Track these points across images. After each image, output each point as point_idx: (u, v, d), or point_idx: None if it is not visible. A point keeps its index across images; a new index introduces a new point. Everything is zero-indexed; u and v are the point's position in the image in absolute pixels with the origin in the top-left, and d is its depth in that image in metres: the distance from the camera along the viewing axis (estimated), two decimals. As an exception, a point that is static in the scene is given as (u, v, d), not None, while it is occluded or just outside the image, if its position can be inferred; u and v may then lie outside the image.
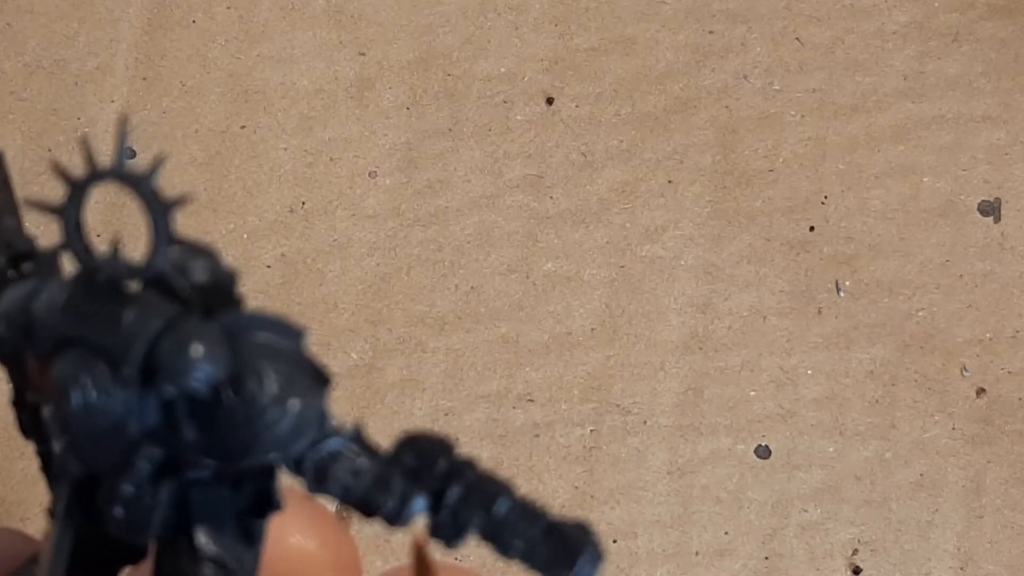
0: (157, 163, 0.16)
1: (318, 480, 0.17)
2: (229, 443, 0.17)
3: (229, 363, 0.16)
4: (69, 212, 0.17)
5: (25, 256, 0.19)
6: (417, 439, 0.18)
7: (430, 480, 0.17)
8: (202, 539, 0.17)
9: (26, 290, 0.17)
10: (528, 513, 0.17)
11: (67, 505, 0.17)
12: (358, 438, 0.17)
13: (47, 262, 0.18)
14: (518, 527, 0.17)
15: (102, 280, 0.16)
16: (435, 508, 0.17)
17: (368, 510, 0.17)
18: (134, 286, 0.17)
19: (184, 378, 0.16)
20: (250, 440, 0.16)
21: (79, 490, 0.17)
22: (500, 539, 0.17)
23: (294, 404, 0.16)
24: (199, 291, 0.17)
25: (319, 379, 0.17)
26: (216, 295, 0.17)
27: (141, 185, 0.16)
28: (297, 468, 0.17)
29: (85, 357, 0.16)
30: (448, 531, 0.17)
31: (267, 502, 0.17)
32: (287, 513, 0.18)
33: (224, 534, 0.17)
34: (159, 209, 0.16)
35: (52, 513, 0.18)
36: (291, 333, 0.17)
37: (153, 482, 0.16)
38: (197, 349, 0.16)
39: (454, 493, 0.17)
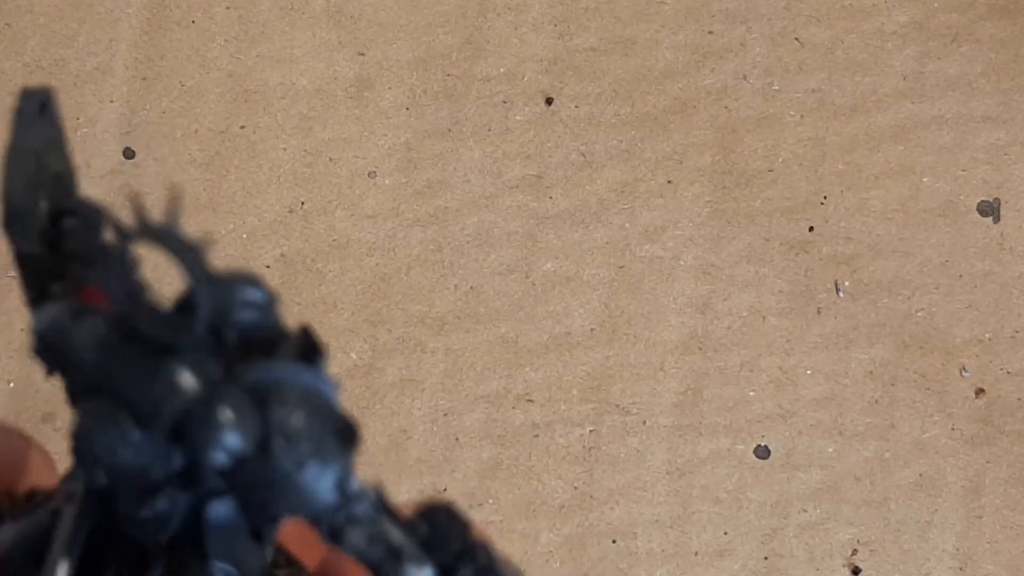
0: (173, 210, 0.16)
1: (332, 539, 0.17)
2: (250, 496, 0.17)
3: (257, 433, 0.16)
4: (110, 269, 0.17)
5: (68, 211, 0.19)
6: (437, 512, 0.18)
7: (443, 555, 0.18)
8: (213, 546, 0.17)
9: (66, 310, 0.17)
10: None
11: (85, 497, 0.17)
12: (378, 502, 0.17)
13: (91, 217, 0.18)
14: None
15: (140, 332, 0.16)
16: None
17: (379, 574, 0.17)
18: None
19: (209, 453, 0.16)
20: (270, 499, 0.17)
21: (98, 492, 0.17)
22: None
23: (319, 470, 0.16)
24: (242, 331, 0.17)
25: (348, 438, 0.17)
26: (259, 332, 0.17)
27: (168, 241, 0.16)
28: (314, 523, 0.17)
29: (114, 410, 0.16)
30: None
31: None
32: None
33: (235, 535, 0.17)
34: (191, 262, 0.16)
35: (66, 480, 0.18)
36: (326, 388, 0.17)
37: (172, 497, 0.17)
38: (226, 424, 0.16)
39: (465, 574, 0.17)
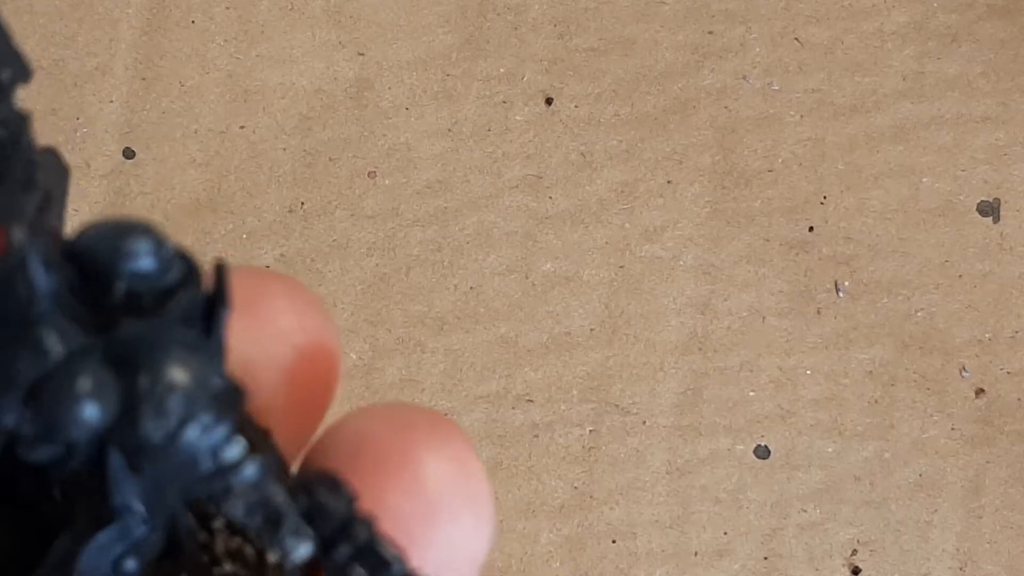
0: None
1: (208, 507, 0.16)
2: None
3: (119, 402, 0.15)
4: None
5: None
6: (321, 481, 0.17)
7: (323, 528, 0.17)
8: (117, 487, 0.16)
9: None
10: None
11: None
12: (265, 469, 0.17)
13: (16, 132, 0.17)
14: None
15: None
16: (323, 555, 0.17)
17: (256, 545, 0.17)
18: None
19: (64, 434, 0.15)
20: (139, 467, 0.16)
21: None
22: None
23: (193, 437, 0.16)
24: (132, 283, 0.16)
25: (226, 403, 0.16)
26: (154, 283, 0.16)
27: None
28: (190, 489, 0.16)
29: None
30: None
31: None
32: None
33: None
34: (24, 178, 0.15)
35: None
36: (209, 348, 0.16)
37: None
38: (83, 396, 0.15)
39: (343, 551, 0.17)
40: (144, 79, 0.53)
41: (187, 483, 0.16)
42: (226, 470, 0.16)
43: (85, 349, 0.15)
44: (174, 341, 0.16)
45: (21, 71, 0.17)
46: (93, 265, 0.16)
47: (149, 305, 0.16)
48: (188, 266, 0.16)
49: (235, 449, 0.16)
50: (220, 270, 0.16)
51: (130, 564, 0.16)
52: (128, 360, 0.16)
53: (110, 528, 0.16)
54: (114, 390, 0.15)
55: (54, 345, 0.15)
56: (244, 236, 0.53)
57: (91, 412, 0.15)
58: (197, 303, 0.16)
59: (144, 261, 0.16)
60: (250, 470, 0.16)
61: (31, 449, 0.15)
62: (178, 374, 0.16)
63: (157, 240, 0.16)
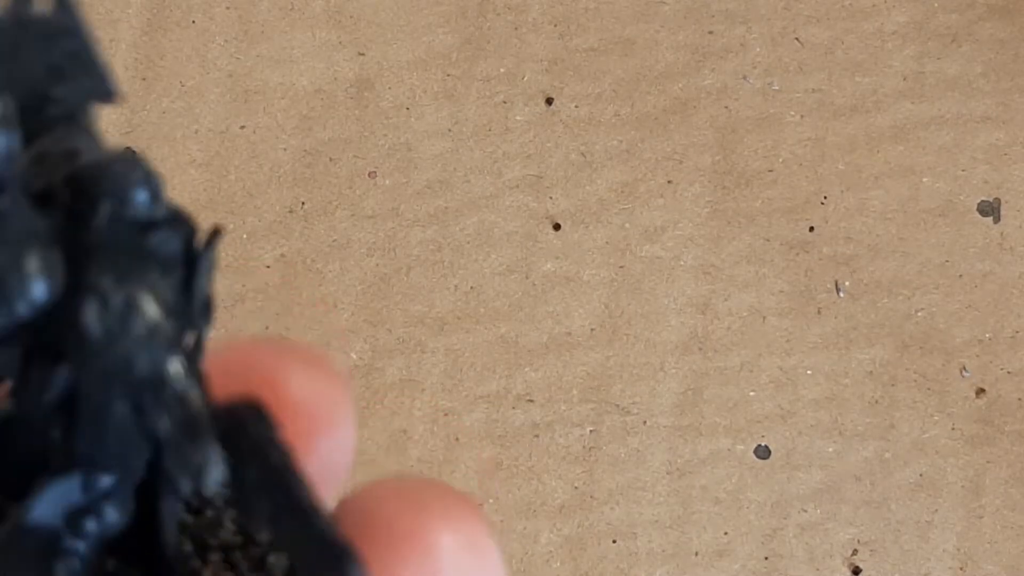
0: None
1: (136, 415, 0.16)
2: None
3: (65, 289, 0.15)
4: None
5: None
6: (241, 411, 0.16)
7: (237, 450, 0.16)
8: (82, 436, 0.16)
9: None
10: None
11: None
12: (189, 375, 0.16)
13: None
14: None
15: None
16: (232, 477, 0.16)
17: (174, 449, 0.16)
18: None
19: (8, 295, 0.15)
20: (83, 369, 0.15)
21: None
22: None
23: (133, 333, 0.15)
24: (124, 205, 0.15)
25: (184, 330, 0.15)
26: (143, 211, 0.15)
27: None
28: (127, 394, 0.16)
29: None
30: None
31: None
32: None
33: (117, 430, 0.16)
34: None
35: None
36: (180, 276, 0.15)
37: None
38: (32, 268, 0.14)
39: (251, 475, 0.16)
40: (144, 79, 0.53)
41: (123, 386, 0.15)
42: (163, 384, 0.15)
43: (42, 231, 0.15)
44: (146, 255, 0.15)
45: (102, 90, 0.16)
46: (84, 184, 0.15)
47: (132, 233, 0.15)
48: (179, 213, 0.16)
49: (176, 366, 0.15)
50: (215, 234, 0.16)
51: (91, 524, 0.16)
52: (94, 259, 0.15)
53: (68, 477, 0.15)
54: (62, 270, 0.15)
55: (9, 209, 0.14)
56: (244, 236, 0.53)
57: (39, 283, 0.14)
58: (179, 246, 0.16)
59: (137, 191, 0.15)
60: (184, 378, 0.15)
61: None
62: (140, 287, 0.15)
63: (150, 173, 0.15)
